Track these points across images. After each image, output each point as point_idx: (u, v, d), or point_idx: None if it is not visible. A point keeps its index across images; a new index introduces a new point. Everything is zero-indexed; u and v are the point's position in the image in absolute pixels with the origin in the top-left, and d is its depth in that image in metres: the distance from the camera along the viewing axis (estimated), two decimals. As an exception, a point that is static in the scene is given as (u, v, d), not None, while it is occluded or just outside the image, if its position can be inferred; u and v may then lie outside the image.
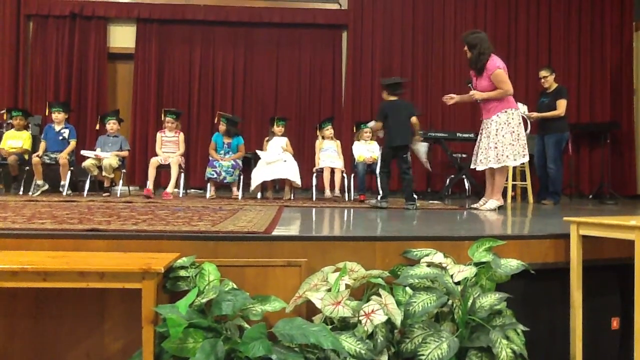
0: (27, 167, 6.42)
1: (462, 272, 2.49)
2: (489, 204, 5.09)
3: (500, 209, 5.11)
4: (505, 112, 5.00)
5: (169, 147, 6.65)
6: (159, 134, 6.73)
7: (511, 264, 2.48)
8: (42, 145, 6.54)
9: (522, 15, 8.96)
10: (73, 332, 2.54)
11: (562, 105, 6.23)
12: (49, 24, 8.68)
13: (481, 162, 5.12)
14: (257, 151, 6.64)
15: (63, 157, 6.32)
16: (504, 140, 4.97)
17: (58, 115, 6.62)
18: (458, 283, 2.46)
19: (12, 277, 2.21)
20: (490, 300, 2.38)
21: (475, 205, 5.22)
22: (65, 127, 6.65)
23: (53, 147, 6.53)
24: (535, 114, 6.43)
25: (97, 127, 6.85)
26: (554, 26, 8.96)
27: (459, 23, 8.90)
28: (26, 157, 6.48)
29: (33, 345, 2.56)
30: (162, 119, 6.73)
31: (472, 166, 5.34)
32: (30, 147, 6.64)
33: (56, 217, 3.30)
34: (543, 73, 6.48)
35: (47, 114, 6.75)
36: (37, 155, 6.33)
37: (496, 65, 4.98)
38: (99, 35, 8.73)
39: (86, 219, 3.20)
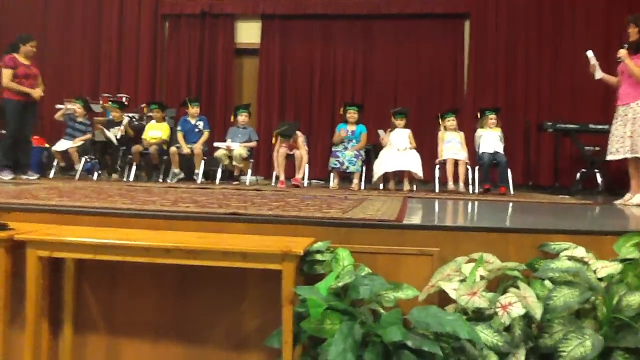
0: (166, 157, 6.94)
1: (606, 267, 2.36)
2: (636, 198, 4.78)
3: None
4: None
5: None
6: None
7: (663, 262, 2.31)
8: (181, 136, 7.02)
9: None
10: (214, 310, 2.72)
11: None
12: (181, 23, 9.30)
13: (617, 151, 4.88)
14: (379, 130, 6.61)
15: (197, 147, 6.77)
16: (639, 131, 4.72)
17: (195, 110, 7.09)
18: (601, 279, 2.34)
19: (165, 254, 2.40)
20: (638, 298, 2.22)
21: (619, 201, 4.93)
22: (200, 120, 7.12)
23: (190, 138, 7.03)
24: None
25: (232, 119, 7.19)
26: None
27: (591, 8, 8.33)
28: (165, 147, 7.00)
29: (179, 321, 2.77)
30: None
31: (607, 157, 5.05)
32: (169, 138, 7.16)
33: (197, 202, 3.55)
34: None
35: (188, 108, 7.21)
36: (177, 147, 6.85)
37: None
38: (226, 32, 9.20)
39: (224, 204, 3.41)
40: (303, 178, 6.63)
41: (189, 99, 7.37)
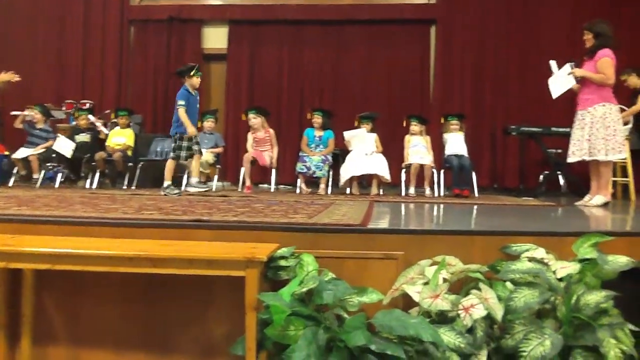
0: (131, 163, 6.82)
1: (565, 268, 2.41)
2: (595, 199, 4.92)
3: (607, 205, 4.90)
4: (603, 105, 4.90)
5: (263, 146, 6.76)
6: (250, 135, 6.81)
7: (620, 261, 2.37)
8: (183, 112, 5.79)
9: (627, 3, 8.36)
10: (181, 318, 2.69)
11: None
12: (148, 28, 9.17)
13: (573, 153, 5.05)
14: (345, 132, 6.67)
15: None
16: (597, 134, 4.88)
17: (198, 80, 6.05)
18: (560, 280, 2.38)
19: (128, 262, 2.37)
20: (596, 297, 2.29)
21: (580, 202, 5.06)
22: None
23: (193, 113, 6.00)
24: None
25: (199, 125, 6.74)
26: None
27: (557, 13, 8.46)
28: (129, 153, 6.88)
29: (145, 330, 2.73)
30: (246, 118, 6.87)
31: (567, 159, 5.19)
32: (133, 144, 7.03)
33: (161, 209, 3.50)
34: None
35: (189, 78, 5.98)
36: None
37: (607, 54, 4.90)
38: (194, 37, 9.11)
39: (189, 211, 3.37)
40: (272, 165, 6.73)
41: (197, 67, 6.12)
